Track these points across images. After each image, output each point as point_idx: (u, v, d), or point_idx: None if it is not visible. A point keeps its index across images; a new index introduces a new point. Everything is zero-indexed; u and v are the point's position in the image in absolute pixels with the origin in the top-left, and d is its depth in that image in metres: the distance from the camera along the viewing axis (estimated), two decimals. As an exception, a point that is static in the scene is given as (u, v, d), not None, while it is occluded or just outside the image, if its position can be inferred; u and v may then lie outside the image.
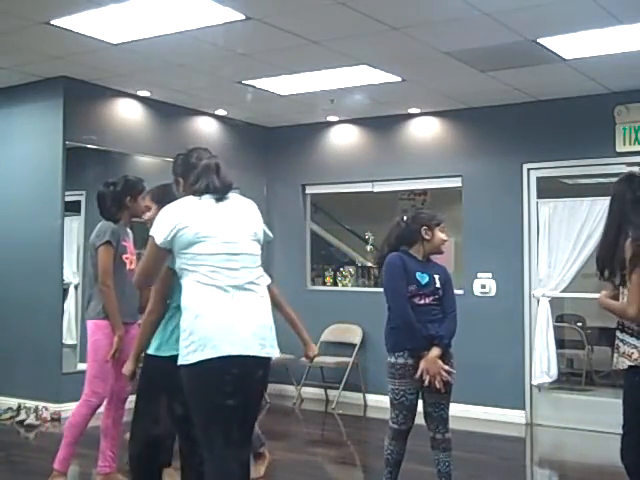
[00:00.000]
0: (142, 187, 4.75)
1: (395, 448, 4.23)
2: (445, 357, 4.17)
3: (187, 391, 3.14)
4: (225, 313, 3.14)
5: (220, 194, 3.35)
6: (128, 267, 4.69)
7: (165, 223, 3.22)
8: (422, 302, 4.19)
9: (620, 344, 3.66)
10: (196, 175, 3.36)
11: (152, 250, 3.26)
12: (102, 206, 4.80)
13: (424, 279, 4.21)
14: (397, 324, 4.18)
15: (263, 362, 3.21)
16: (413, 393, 4.17)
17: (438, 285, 4.25)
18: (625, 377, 3.69)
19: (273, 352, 3.22)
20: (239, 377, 3.10)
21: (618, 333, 3.68)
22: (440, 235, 4.33)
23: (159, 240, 3.21)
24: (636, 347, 3.59)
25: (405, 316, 4.13)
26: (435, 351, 4.11)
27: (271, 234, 3.56)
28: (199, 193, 3.31)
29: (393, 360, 4.18)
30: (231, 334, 3.10)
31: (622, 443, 3.70)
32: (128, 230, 4.84)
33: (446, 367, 4.12)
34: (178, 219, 3.21)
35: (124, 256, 4.69)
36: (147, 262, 3.32)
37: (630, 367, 3.61)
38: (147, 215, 3.78)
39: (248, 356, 3.12)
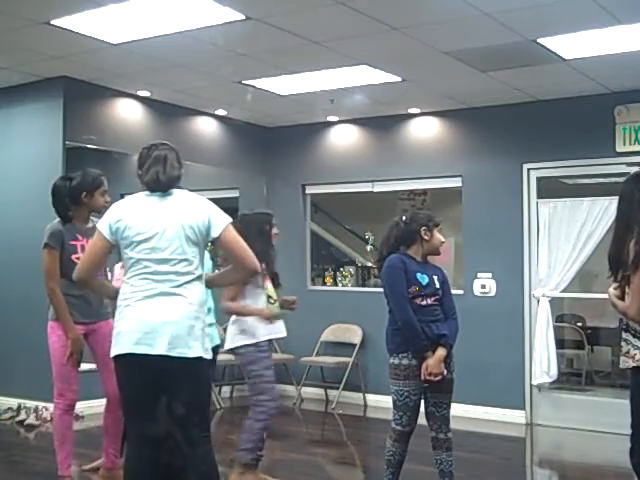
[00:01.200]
0: (100, 182, 4.66)
1: (398, 449, 4.23)
2: (447, 357, 4.19)
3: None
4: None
5: (163, 189, 3.42)
6: None
7: (107, 217, 3.42)
8: (424, 303, 4.19)
9: (624, 344, 3.67)
10: (145, 168, 3.44)
11: (95, 240, 3.47)
12: (55, 201, 4.63)
13: (424, 280, 4.22)
14: (399, 326, 4.18)
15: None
16: (417, 394, 4.17)
17: (438, 286, 4.27)
18: (630, 377, 3.69)
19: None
20: None
21: (623, 332, 3.69)
22: (439, 236, 4.34)
23: (102, 232, 3.41)
24: (638, 348, 3.59)
25: (407, 318, 4.13)
26: (440, 351, 4.13)
27: (217, 233, 3.42)
28: (146, 187, 3.43)
29: (397, 361, 4.18)
30: None
31: (631, 442, 3.69)
32: (90, 226, 4.59)
33: (445, 372, 4.15)
34: (120, 216, 3.39)
35: (73, 256, 4.50)
36: (87, 252, 3.55)
37: (634, 367, 3.61)
38: None
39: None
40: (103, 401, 4.88)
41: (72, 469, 4.74)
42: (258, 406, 4.75)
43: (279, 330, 4.95)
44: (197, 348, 3.33)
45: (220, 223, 3.41)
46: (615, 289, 3.69)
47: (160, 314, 3.31)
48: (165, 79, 7.04)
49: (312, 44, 5.85)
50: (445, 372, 4.14)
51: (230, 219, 3.47)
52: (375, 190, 8.50)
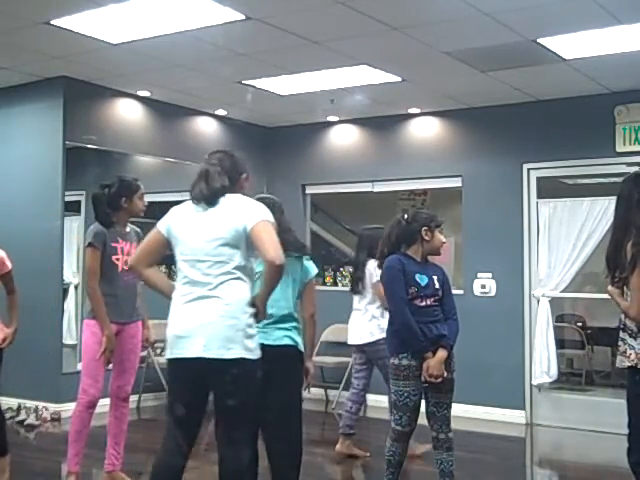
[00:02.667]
0: (137, 187, 4.79)
1: (398, 450, 4.23)
2: (448, 357, 4.18)
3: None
4: None
5: (206, 202, 3.48)
6: (122, 268, 4.69)
7: (167, 216, 3.55)
8: (423, 304, 4.17)
9: (621, 343, 3.68)
10: (192, 184, 3.55)
11: (152, 232, 3.58)
12: (96, 209, 4.83)
13: (423, 280, 4.20)
14: (398, 327, 4.19)
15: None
16: (417, 394, 4.16)
17: (437, 286, 4.24)
18: (627, 376, 3.70)
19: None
20: None
21: (620, 332, 3.71)
22: (440, 237, 4.32)
23: (160, 226, 3.54)
24: (633, 348, 3.60)
25: (404, 319, 4.13)
26: (441, 353, 4.12)
27: (248, 228, 3.41)
28: (192, 199, 3.53)
29: (397, 362, 4.17)
30: None
31: (629, 442, 3.70)
32: (128, 230, 4.84)
33: (446, 373, 4.13)
34: (172, 220, 3.52)
35: (114, 257, 4.69)
36: (142, 242, 3.68)
37: (630, 367, 3.62)
38: None
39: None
40: (104, 401, 4.88)
41: (79, 467, 4.79)
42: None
43: None
44: (236, 349, 3.33)
45: (253, 219, 3.41)
46: (616, 288, 3.70)
47: (196, 317, 3.37)
48: (165, 79, 7.04)
49: (312, 44, 5.85)
50: (445, 373, 4.13)
51: (266, 217, 3.45)
52: (375, 190, 8.50)
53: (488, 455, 6.13)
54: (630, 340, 3.62)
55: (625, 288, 3.63)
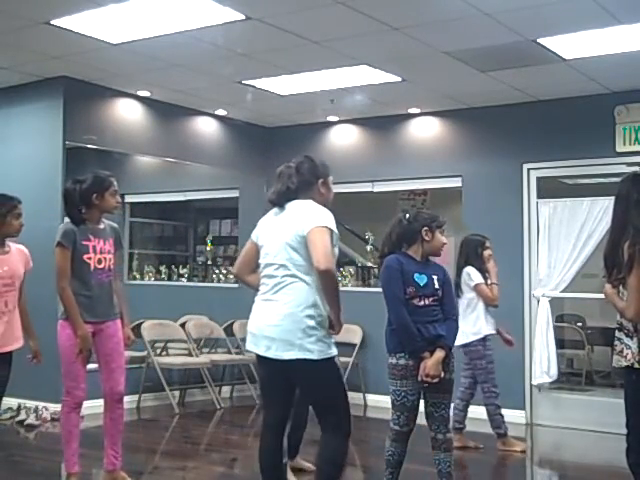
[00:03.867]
0: (109, 183, 4.67)
1: (396, 450, 4.21)
2: (446, 357, 4.15)
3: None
4: None
5: (275, 204, 3.79)
6: (94, 266, 4.63)
7: (259, 223, 3.87)
8: (422, 303, 4.15)
9: (617, 343, 3.68)
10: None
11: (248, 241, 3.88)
12: (67, 205, 4.71)
13: (422, 280, 4.18)
14: (395, 327, 4.18)
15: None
16: (414, 394, 4.14)
17: (437, 286, 4.22)
18: (624, 376, 3.71)
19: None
20: None
21: (617, 332, 3.71)
22: (440, 238, 4.30)
23: (252, 234, 3.85)
24: (630, 347, 3.61)
25: (401, 319, 4.11)
26: (438, 353, 4.09)
27: (305, 233, 3.66)
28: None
29: (394, 361, 4.16)
30: None
31: (627, 442, 3.71)
32: (102, 227, 4.71)
33: (443, 374, 4.10)
34: (259, 225, 3.84)
35: (85, 256, 4.61)
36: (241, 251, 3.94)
37: (627, 366, 3.63)
38: None
39: None
40: (101, 401, 4.89)
41: (78, 467, 4.76)
42: (486, 392, 6.19)
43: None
44: (293, 351, 3.50)
45: (310, 224, 3.61)
46: (613, 288, 3.69)
47: (262, 318, 3.62)
48: (165, 79, 7.04)
49: (312, 44, 5.85)
50: (442, 374, 4.11)
51: (324, 223, 3.67)
52: (375, 190, 8.49)
53: (488, 455, 6.13)
54: (627, 340, 3.63)
55: (621, 288, 3.63)
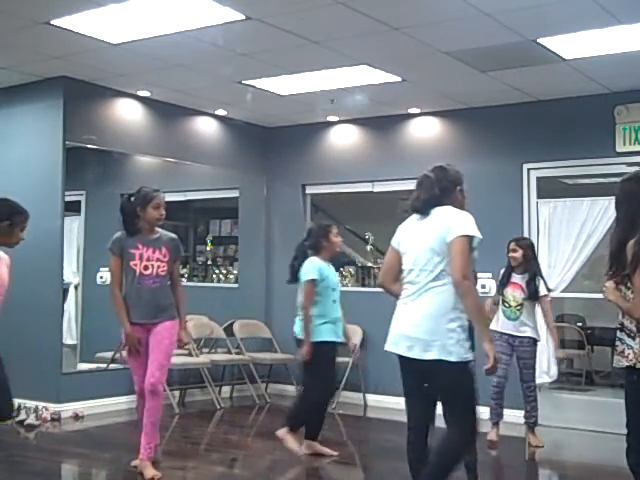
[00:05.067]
0: (151, 197, 5.09)
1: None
2: None
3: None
4: None
5: (419, 212, 3.94)
6: (140, 272, 5.03)
7: (397, 231, 4.02)
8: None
9: (619, 343, 3.68)
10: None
11: (388, 250, 4.02)
12: (123, 218, 5.16)
13: None
14: None
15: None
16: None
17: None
18: (625, 376, 3.71)
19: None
20: None
21: (618, 332, 3.71)
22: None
23: (392, 242, 3.99)
24: (632, 348, 3.61)
25: None
26: None
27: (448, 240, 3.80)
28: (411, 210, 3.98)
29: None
30: None
31: (627, 442, 3.71)
32: (156, 237, 5.12)
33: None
34: (399, 232, 3.99)
35: (132, 262, 5.03)
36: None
37: (628, 366, 3.63)
38: None
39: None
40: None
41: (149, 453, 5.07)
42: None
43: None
44: (433, 351, 3.65)
45: (454, 232, 3.77)
46: (615, 287, 3.67)
47: (403, 319, 3.77)
48: (165, 79, 7.04)
49: (312, 44, 5.85)
50: None
51: (467, 232, 3.82)
52: (375, 190, 8.49)
53: (488, 455, 6.13)
54: (628, 340, 3.63)
55: (623, 287, 3.62)
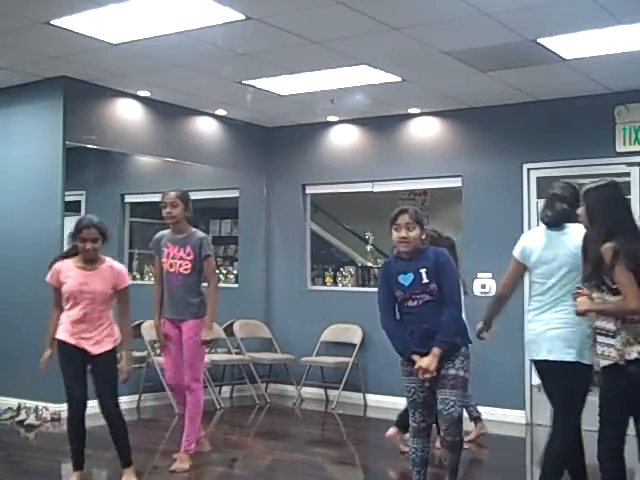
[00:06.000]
0: (161, 199, 5.40)
1: (418, 445, 4.16)
2: (451, 355, 4.08)
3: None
4: None
5: (550, 225, 4.16)
6: (167, 270, 5.29)
7: (521, 242, 4.29)
8: (415, 304, 4.09)
9: (598, 346, 3.80)
10: (542, 209, 4.28)
11: (511, 262, 4.35)
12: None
13: (407, 280, 4.09)
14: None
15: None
16: (424, 390, 4.11)
17: (425, 280, 4.06)
18: (605, 375, 3.81)
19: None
20: None
21: (596, 336, 3.82)
22: (394, 233, 4.14)
23: (515, 254, 4.30)
24: (612, 346, 3.69)
25: (383, 325, 4.22)
26: (433, 350, 4.03)
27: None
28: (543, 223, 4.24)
29: (400, 360, 4.19)
30: None
31: (599, 434, 4.00)
32: (183, 236, 5.32)
33: (430, 371, 4.01)
34: (527, 243, 4.23)
35: (162, 261, 5.32)
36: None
37: (609, 365, 3.72)
38: None
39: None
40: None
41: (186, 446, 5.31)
42: None
43: None
44: (573, 354, 3.98)
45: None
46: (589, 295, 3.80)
47: (543, 325, 4.08)
48: (165, 79, 7.04)
49: (312, 44, 5.85)
50: (434, 372, 4.01)
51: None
52: (375, 190, 8.49)
53: (488, 455, 6.13)
54: (607, 340, 3.72)
55: (597, 293, 3.74)
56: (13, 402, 6.98)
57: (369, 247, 9.01)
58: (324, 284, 8.92)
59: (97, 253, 4.69)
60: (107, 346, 4.69)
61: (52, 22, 5.49)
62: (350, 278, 8.76)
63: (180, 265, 5.24)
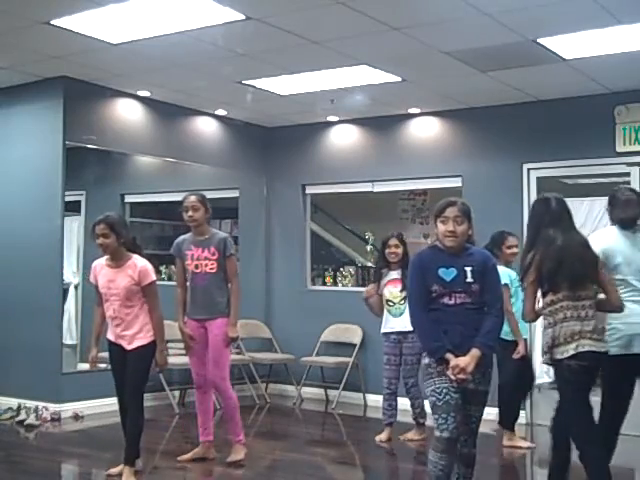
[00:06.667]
0: (182, 203, 5.43)
1: (447, 462, 3.71)
2: (483, 365, 3.75)
3: None
4: None
5: (630, 228, 4.35)
6: (192, 271, 5.38)
7: (597, 244, 4.22)
8: (452, 302, 3.74)
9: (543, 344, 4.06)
10: (615, 211, 4.44)
11: None
12: None
13: (449, 275, 3.75)
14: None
15: None
16: (457, 391, 3.72)
17: (470, 279, 3.75)
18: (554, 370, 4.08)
19: None
20: None
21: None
22: (441, 227, 3.89)
23: None
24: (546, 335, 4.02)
25: (413, 320, 3.88)
26: (472, 351, 3.68)
27: None
28: (619, 225, 4.39)
29: (427, 360, 3.80)
30: None
31: (555, 413, 4.23)
32: (205, 237, 5.39)
33: (467, 372, 3.68)
34: (606, 243, 4.30)
35: (186, 263, 5.41)
36: None
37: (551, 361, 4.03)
38: None
39: None
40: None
41: (203, 437, 5.54)
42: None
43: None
44: None
45: None
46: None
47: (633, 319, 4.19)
48: (165, 79, 7.04)
49: (312, 44, 5.85)
50: (468, 377, 3.68)
51: None
52: (375, 190, 8.49)
53: (488, 455, 6.13)
54: (544, 332, 4.07)
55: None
56: (13, 402, 6.98)
57: (369, 247, 9.00)
58: (324, 284, 8.91)
59: (113, 249, 4.88)
60: (138, 342, 4.88)
61: (52, 22, 5.49)
62: (350, 278, 8.76)
63: (206, 265, 5.36)
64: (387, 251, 6.35)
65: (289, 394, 8.39)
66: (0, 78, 7.01)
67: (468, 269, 3.76)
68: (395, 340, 6.36)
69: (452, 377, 3.68)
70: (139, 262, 4.93)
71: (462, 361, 3.66)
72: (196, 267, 5.38)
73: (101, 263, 5.02)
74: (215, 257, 5.36)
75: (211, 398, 5.60)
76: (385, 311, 6.45)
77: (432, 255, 3.87)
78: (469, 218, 3.96)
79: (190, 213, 5.40)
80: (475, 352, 3.68)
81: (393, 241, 6.33)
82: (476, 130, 7.79)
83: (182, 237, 5.53)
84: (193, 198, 5.43)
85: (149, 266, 4.97)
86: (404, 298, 6.15)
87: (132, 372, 4.87)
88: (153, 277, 4.97)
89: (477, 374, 3.72)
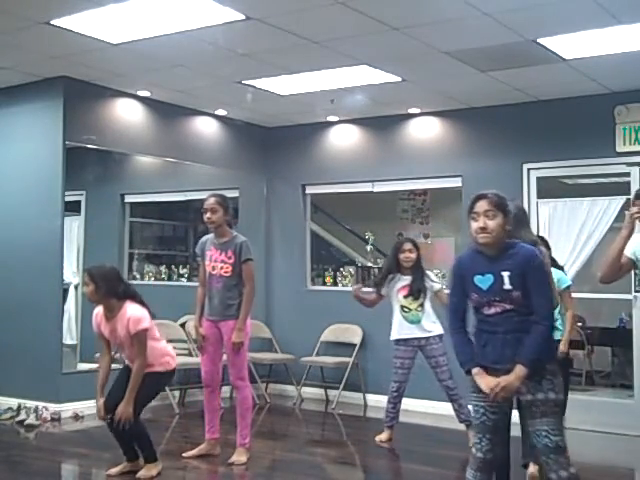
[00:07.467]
0: (202, 206, 5.46)
1: None
2: (536, 375, 3.37)
3: None
4: None
5: None
6: (209, 272, 5.46)
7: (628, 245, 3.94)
8: (492, 312, 3.41)
9: None
10: None
11: None
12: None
13: (486, 283, 3.42)
14: None
15: None
16: (497, 413, 3.43)
17: (508, 286, 3.37)
18: None
19: None
20: None
21: None
22: (473, 224, 3.58)
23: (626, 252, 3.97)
24: None
25: (450, 332, 3.60)
26: (516, 370, 3.33)
27: None
28: None
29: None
30: None
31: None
32: (225, 240, 5.43)
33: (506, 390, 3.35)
34: (634, 246, 3.95)
35: (205, 264, 5.50)
36: None
37: None
38: None
39: None
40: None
41: (210, 435, 5.64)
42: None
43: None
44: None
45: None
46: None
47: None
48: (165, 79, 7.04)
49: (312, 44, 5.85)
50: (509, 393, 3.37)
51: None
52: (375, 190, 8.49)
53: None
54: None
55: None
56: (13, 402, 6.98)
57: (369, 247, 9.00)
58: (324, 284, 8.91)
59: (98, 299, 4.94)
60: (151, 369, 5.00)
61: (52, 22, 5.49)
62: (350, 278, 8.76)
63: (221, 268, 5.41)
64: (402, 256, 6.18)
65: (289, 394, 8.40)
66: (0, 78, 7.01)
67: (505, 274, 3.37)
68: (414, 345, 6.16)
69: (489, 393, 3.38)
70: (129, 310, 4.90)
71: (491, 383, 3.36)
72: (213, 269, 5.45)
73: (100, 313, 5.04)
74: (231, 261, 5.40)
75: (218, 397, 5.64)
76: (400, 317, 6.24)
77: (469, 260, 3.54)
78: (504, 211, 3.55)
79: (208, 215, 5.41)
80: (519, 370, 3.33)
81: (408, 245, 6.20)
82: (476, 130, 7.79)
83: (206, 237, 5.59)
84: (212, 200, 5.43)
85: (139, 312, 4.91)
86: (421, 305, 6.15)
87: (140, 395, 4.94)
88: (144, 325, 4.89)
89: (531, 382, 3.37)
